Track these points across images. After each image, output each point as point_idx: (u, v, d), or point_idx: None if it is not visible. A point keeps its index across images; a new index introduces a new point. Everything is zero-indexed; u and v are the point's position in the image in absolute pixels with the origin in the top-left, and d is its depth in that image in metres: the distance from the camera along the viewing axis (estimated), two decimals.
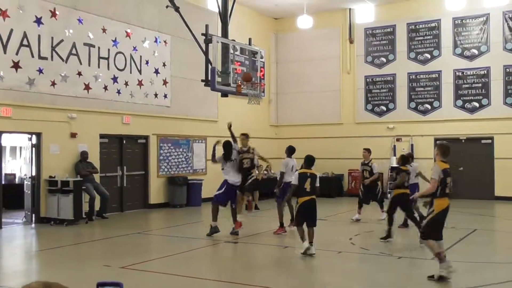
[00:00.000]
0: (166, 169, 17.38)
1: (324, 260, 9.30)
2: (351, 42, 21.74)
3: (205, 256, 10.00)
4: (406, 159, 12.02)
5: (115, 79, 15.47)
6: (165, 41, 17.22)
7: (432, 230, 7.61)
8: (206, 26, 12.63)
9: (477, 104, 19.43)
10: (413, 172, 12.31)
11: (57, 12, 13.79)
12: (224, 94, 13.66)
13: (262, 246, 10.76)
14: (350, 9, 21.57)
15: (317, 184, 9.58)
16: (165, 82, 17.23)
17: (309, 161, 9.74)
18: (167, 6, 13.22)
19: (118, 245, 10.74)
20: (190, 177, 17.80)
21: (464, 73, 19.63)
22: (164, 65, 17.19)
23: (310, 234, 9.22)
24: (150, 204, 16.79)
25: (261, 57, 13.95)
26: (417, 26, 20.55)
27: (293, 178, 9.75)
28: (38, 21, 13.34)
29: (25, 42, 13.03)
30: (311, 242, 9.13)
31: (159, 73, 17.01)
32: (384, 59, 21.19)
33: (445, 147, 7.94)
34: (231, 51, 12.93)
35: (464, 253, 9.74)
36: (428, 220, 7.66)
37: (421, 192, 8.85)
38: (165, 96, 17.25)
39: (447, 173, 7.60)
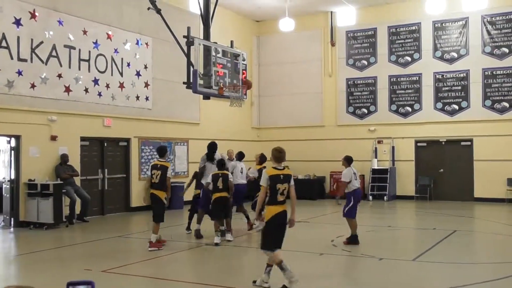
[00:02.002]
0: (148, 172, 17.24)
1: (306, 262, 9.32)
2: (333, 44, 21.87)
3: (186, 259, 9.96)
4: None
5: (96, 82, 15.36)
6: (146, 43, 17.15)
7: (264, 240, 7.20)
8: (188, 28, 12.60)
9: (456, 107, 19.66)
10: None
11: (36, 14, 13.65)
12: (206, 97, 13.63)
13: (245, 249, 10.75)
14: (331, 12, 21.70)
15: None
16: (146, 85, 17.15)
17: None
18: (148, 8, 13.15)
19: (99, 249, 10.66)
20: (172, 180, 17.63)
21: (444, 76, 19.87)
22: (145, 67, 17.12)
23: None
24: (131, 207, 16.68)
25: (243, 60, 13.93)
26: (397, 29, 20.75)
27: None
28: (17, 22, 13.19)
29: (3, 44, 12.87)
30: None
31: (140, 75, 16.93)
32: (365, 62, 21.34)
33: (277, 151, 7.31)
34: (213, 53, 12.89)
35: (444, 254, 9.84)
36: (262, 229, 7.44)
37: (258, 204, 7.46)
38: (147, 98, 17.17)
39: (274, 179, 7.06)
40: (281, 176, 7.15)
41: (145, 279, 8.08)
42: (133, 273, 8.43)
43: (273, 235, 7.09)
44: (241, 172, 12.57)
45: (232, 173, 11.83)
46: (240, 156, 13.11)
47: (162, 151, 10.83)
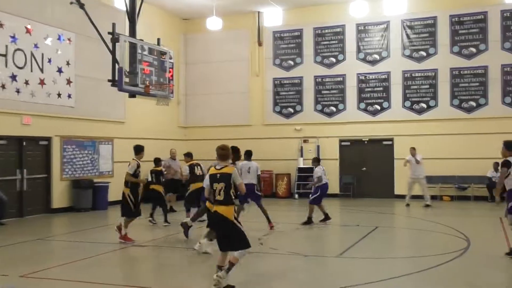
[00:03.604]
0: (70, 172, 16.71)
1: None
2: (260, 44, 22.04)
3: (111, 261, 9.70)
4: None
5: (13, 78, 14.65)
6: (69, 39, 16.55)
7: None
8: (113, 24, 12.28)
9: (378, 107, 20.37)
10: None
11: None
12: (132, 95, 13.34)
13: (171, 249, 10.61)
14: (259, 12, 21.86)
15: None
16: (69, 82, 16.56)
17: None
18: (71, 3, 12.73)
19: (17, 253, 10.17)
20: (96, 180, 17.24)
21: (367, 77, 20.53)
22: (68, 63, 16.52)
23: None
24: (52, 208, 16.07)
25: (170, 58, 13.76)
26: (323, 31, 21.21)
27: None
28: None
29: None
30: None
31: (62, 72, 16.32)
32: (291, 62, 21.67)
33: (219, 148, 7.32)
34: (139, 51, 12.65)
35: (367, 249, 10.16)
36: None
37: None
38: (69, 96, 16.58)
39: (212, 179, 7.17)
40: (218, 175, 7.07)
41: (66, 283, 7.80)
42: (53, 277, 8.11)
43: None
44: (248, 172, 12.44)
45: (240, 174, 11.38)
46: (249, 155, 12.88)
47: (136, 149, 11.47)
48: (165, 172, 14.78)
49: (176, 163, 16.59)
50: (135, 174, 10.99)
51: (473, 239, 10.79)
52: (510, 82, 18.89)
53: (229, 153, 7.35)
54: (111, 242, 10.94)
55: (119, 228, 10.98)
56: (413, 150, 17.54)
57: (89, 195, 16.70)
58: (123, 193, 10.98)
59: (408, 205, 17.38)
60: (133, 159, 11.23)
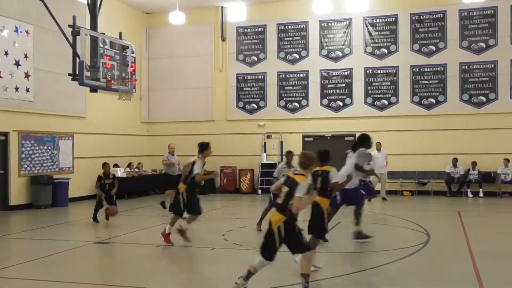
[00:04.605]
0: (28, 168, 16.29)
1: (199, 257, 9.28)
2: (223, 40, 21.96)
3: (73, 258, 9.49)
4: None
5: None
6: (27, 31, 16.11)
7: None
8: (74, 17, 12.00)
9: (341, 103, 20.59)
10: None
11: None
12: (93, 89, 13.09)
13: (134, 246, 10.47)
14: (222, 7, 21.77)
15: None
16: (27, 75, 16.12)
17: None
18: None
19: None
20: (56, 176, 16.87)
21: (330, 74, 20.71)
22: (26, 56, 16.07)
23: None
24: (10, 205, 15.65)
25: (132, 52, 13.55)
26: (286, 27, 21.28)
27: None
28: None
29: None
30: None
31: (20, 65, 15.87)
32: (255, 58, 21.67)
33: (302, 156, 6.96)
34: (101, 45, 12.41)
35: (330, 244, 10.23)
36: None
37: None
38: (27, 90, 16.15)
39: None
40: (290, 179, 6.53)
41: (26, 281, 7.60)
42: (12, 276, 7.89)
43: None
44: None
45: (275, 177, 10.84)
46: (290, 156, 11.42)
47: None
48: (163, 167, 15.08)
49: (175, 159, 16.18)
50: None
51: (433, 233, 11.02)
52: (468, 79, 19.37)
53: (311, 162, 6.87)
54: (72, 240, 10.72)
55: (180, 232, 9.99)
56: (379, 145, 17.80)
57: (48, 192, 16.33)
58: (177, 190, 10.12)
59: (384, 199, 17.73)
60: (198, 157, 10.22)
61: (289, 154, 11.51)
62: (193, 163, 10.11)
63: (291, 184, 6.38)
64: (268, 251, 6.43)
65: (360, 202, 10.53)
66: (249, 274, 6.50)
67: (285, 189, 6.45)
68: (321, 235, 8.56)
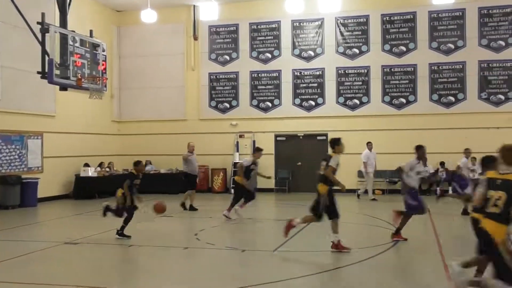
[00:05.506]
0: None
1: (171, 256, 9.22)
2: (196, 39, 21.86)
3: (43, 259, 9.33)
4: None
5: None
6: None
7: None
8: (43, 14, 11.82)
9: (313, 103, 20.71)
10: None
11: None
12: (63, 88, 12.90)
13: (105, 246, 10.34)
14: (194, 5, 21.67)
15: None
16: None
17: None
18: None
19: None
20: (24, 176, 16.55)
21: (302, 73, 20.81)
22: None
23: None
24: None
25: (103, 50, 13.40)
26: (259, 26, 21.30)
27: None
28: None
29: None
30: None
31: None
32: (227, 57, 21.64)
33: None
34: (71, 42, 12.24)
35: (302, 243, 10.29)
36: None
37: None
38: None
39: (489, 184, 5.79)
40: (498, 181, 5.60)
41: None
42: None
43: None
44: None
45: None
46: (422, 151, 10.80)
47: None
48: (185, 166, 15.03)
49: (194, 157, 15.59)
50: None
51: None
52: (437, 80, 19.69)
53: None
54: (42, 240, 10.54)
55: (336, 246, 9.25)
56: (370, 145, 18.13)
57: (17, 192, 16.01)
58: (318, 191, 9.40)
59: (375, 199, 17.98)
60: (332, 153, 9.79)
61: (421, 148, 10.61)
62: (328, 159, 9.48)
63: (508, 187, 5.48)
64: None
65: None
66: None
67: (498, 194, 5.55)
68: None
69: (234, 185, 14.63)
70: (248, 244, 10.40)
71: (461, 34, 19.57)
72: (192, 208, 14.91)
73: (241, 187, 13.31)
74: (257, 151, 13.92)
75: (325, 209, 9.15)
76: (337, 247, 9.15)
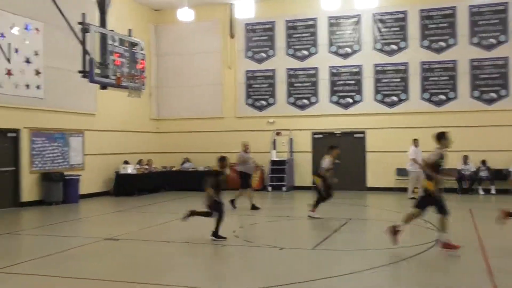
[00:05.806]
0: (40, 165, 16.38)
1: (210, 253, 9.28)
2: (232, 36, 21.94)
3: (84, 254, 9.53)
4: None
5: None
6: (37, 29, 16.16)
7: None
8: (83, 14, 12.01)
9: (351, 100, 20.52)
10: None
11: None
12: (103, 87, 13.10)
13: (146, 242, 10.48)
14: (230, 3, 21.75)
15: None
16: (37, 72, 16.18)
17: None
18: None
19: None
20: (67, 173, 16.95)
21: (339, 70, 20.64)
22: (36, 54, 16.14)
23: None
24: (21, 202, 15.75)
25: (141, 49, 13.56)
26: (295, 24, 21.22)
27: None
28: None
29: None
30: None
31: (30, 62, 15.94)
32: (264, 55, 21.64)
33: None
34: (110, 42, 12.42)
35: (341, 241, 10.22)
36: None
37: None
38: (38, 87, 16.21)
39: None
40: None
41: (38, 277, 7.62)
42: (24, 272, 7.93)
43: None
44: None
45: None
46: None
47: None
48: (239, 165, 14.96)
49: (248, 156, 15.60)
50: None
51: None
52: (478, 76, 19.24)
53: None
54: (84, 236, 10.76)
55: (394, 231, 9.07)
56: (417, 142, 17.38)
57: (59, 188, 16.41)
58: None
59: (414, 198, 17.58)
60: (437, 147, 9.44)
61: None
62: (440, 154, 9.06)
63: None
64: None
65: None
66: None
67: None
68: None
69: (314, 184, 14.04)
70: (286, 241, 10.38)
71: (504, 29, 19.05)
72: (254, 207, 14.72)
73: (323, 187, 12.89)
74: (331, 149, 12.95)
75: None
76: (446, 246, 8.68)
